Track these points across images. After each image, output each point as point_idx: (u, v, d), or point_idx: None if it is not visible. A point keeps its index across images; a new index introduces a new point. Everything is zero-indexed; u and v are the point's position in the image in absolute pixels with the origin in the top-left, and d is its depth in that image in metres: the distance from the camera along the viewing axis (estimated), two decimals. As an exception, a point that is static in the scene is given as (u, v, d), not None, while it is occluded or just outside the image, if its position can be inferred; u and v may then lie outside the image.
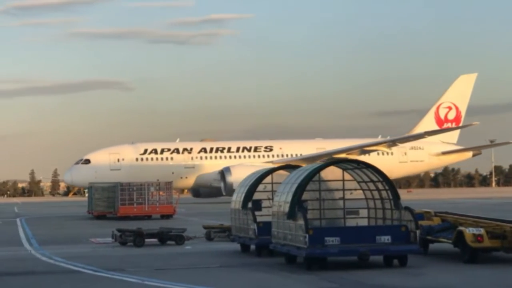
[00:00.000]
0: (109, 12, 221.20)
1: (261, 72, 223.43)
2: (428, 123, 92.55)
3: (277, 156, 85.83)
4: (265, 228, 24.59)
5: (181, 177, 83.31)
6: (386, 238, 21.67)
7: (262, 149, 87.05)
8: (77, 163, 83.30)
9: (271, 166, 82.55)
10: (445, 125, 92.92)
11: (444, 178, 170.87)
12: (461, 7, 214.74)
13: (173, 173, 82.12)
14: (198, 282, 19.76)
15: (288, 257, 22.72)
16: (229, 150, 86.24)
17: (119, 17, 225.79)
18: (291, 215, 21.81)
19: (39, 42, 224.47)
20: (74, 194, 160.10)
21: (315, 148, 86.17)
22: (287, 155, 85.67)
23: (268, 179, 26.78)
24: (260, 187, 26.71)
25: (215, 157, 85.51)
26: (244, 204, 26.20)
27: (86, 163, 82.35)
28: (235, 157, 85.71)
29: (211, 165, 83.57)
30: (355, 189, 24.48)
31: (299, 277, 20.38)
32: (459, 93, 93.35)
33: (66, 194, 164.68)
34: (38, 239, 34.65)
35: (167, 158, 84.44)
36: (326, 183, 24.20)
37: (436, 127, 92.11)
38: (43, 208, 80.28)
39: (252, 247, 26.25)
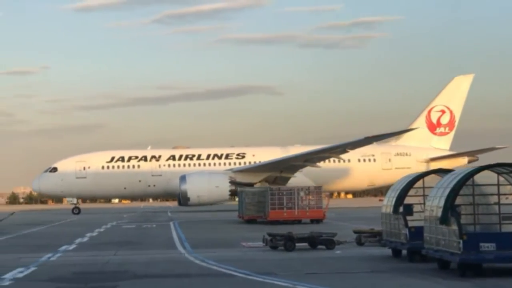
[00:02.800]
0: (258, 17, 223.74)
1: (412, 75, 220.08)
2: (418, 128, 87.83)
3: (249, 163, 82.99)
4: (417, 233, 24.23)
5: (149, 185, 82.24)
6: (546, 245, 20.84)
7: (234, 156, 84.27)
8: (45, 171, 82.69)
9: (229, 173, 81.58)
10: (438, 130, 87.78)
11: None
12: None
13: (140, 181, 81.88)
14: (350, 287, 19.62)
15: (441, 263, 22.25)
16: (199, 157, 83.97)
17: (268, 22, 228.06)
18: (444, 220, 21.34)
19: (191, 49, 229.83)
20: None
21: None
22: (259, 162, 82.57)
23: (419, 183, 26.39)
24: (412, 191, 26.35)
25: (184, 165, 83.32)
26: (395, 209, 25.89)
27: (53, 171, 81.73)
28: (204, 164, 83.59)
29: (179, 173, 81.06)
30: (511, 194, 23.71)
31: (453, 283, 19.91)
32: (454, 96, 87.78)
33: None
34: (191, 242, 35.37)
35: (134, 166, 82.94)
36: (480, 187, 23.54)
37: (428, 133, 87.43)
38: (194, 212, 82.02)
39: (404, 252, 25.89)
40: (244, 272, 22.79)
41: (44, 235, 45.28)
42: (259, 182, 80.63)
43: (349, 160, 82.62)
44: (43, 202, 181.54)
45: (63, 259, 28.70)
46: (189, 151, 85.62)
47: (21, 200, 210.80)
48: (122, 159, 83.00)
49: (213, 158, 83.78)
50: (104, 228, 50.82)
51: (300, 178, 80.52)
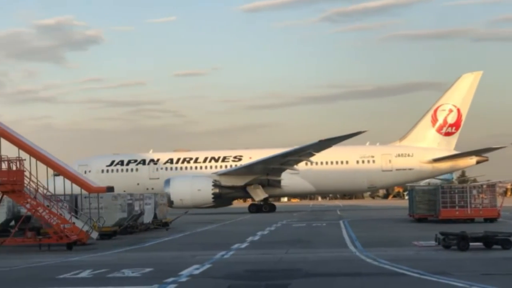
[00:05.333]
0: (428, 12, 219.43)
1: None
2: (424, 127, 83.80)
3: None
4: None
5: (147, 188, 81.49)
6: None
7: (231, 159, 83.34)
8: (52, 174, 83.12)
9: (214, 177, 79.66)
10: (445, 130, 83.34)
11: None
12: None
13: (138, 184, 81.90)
14: (529, 289, 18.98)
15: None
16: (196, 160, 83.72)
17: (439, 16, 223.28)
18: None
19: (359, 47, 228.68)
20: (394, 197, 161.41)
21: None
22: (241, 165, 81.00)
23: None
24: None
25: (181, 168, 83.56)
26: None
27: (58, 175, 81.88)
28: (201, 167, 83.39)
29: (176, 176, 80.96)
30: None
31: None
32: (462, 94, 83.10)
33: (385, 197, 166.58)
34: (362, 241, 35.21)
35: (132, 170, 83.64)
36: None
37: (434, 132, 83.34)
38: (363, 210, 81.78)
39: None
40: (417, 271, 22.44)
41: (217, 233, 46.40)
42: (252, 185, 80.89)
43: (347, 162, 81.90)
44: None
45: (236, 257, 29.22)
46: (187, 154, 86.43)
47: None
48: (121, 162, 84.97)
49: (210, 161, 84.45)
50: (275, 226, 51.44)
51: (297, 180, 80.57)
